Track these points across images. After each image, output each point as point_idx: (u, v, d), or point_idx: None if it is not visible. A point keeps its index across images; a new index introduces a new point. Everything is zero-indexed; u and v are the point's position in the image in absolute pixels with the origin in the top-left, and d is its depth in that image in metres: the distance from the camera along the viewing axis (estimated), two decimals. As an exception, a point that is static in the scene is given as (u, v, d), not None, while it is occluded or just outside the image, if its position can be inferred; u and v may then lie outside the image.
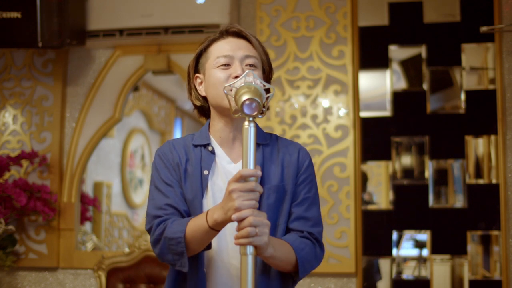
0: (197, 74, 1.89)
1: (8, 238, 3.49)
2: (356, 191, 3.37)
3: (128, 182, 5.56)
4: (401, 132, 3.44)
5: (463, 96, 3.39)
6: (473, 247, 3.30)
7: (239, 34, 1.86)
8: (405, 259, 3.39)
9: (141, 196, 5.79)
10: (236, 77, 1.77)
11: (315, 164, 3.39)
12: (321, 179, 3.39)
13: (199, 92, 1.88)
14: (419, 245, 3.38)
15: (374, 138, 3.45)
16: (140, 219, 5.77)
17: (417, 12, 3.47)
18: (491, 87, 3.37)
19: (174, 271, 1.81)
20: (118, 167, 5.48)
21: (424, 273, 3.34)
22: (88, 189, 4.86)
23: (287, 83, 3.49)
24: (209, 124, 1.89)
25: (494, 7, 3.36)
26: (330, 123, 3.43)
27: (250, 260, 1.55)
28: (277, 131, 3.45)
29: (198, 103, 1.90)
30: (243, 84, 1.60)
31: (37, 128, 3.72)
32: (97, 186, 5.08)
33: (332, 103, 3.45)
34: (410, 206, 3.39)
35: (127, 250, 3.38)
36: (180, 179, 1.79)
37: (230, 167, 1.81)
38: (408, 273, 3.38)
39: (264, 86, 1.63)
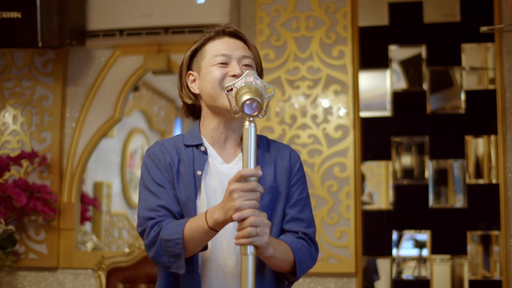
0: (190, 72, 1.88)
1: (8, 238, 3.49)
2: (356, 191, 3.37)
3: (128, 182, 5.56)
4: (401, 132, 3.44)
5: (463, 96, 3.40)
6: (473, 247, 3.30)
7: (235, 35, 1.87)
8: (405, 259, 3.39)
9: (141, 196, 5.77)
10: (234, 75, 1.77)
11: (315, 164, 3.40)
12: (321, 179, 3.39)
13: (191, 89, 1.87)
14: (419, 245, 3.38)
15: (374, 138, 3.45)
16: (140, 219, 5.76)
17: (417, 12, 3.47)
18: (491, 87, 3.37)
19: (165, 274, 1.78)
20: (118, 167, 5.48)
21: (424, 273, 3.34)
22: (88, 189, 4.85)
23: (287, 83, 3.49)
24: (199, 124, 1.88)
25: (494, 7, 3.36)
26: (330, 123, 3.43)
27: (250, 260, 1.55)
28: (277, 131, 3.45)
29: (189, 101, 1.89)
30: (243, 84, 1.61)
31: (37, 128, 3.72)
32: (97, 186, 5.07)
33: (332, 103, 3.45)
34: (410, 206, 3.39)
35: (127, 250, 3.38)
36: (172, 180, 1.78)
37: (222, 167, 1.80)
38: (408, 273, 3.38)
39: (265, 86, 1.63)
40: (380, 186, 3.46)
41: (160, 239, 1.68)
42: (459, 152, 3.36)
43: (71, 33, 3.48)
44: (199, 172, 1.78)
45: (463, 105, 3.39)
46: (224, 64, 1.81)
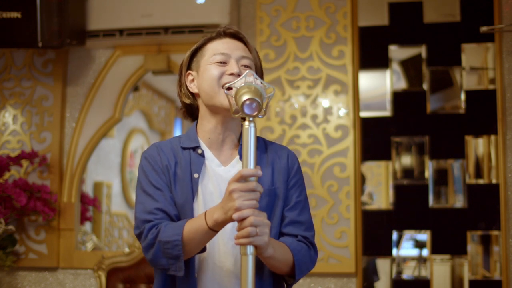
0: (189, 71, 1.88)
1: (8, 238, 3.49)
2: (356, 191, 3.37)
3: (128, 182, 5.56)
4: (401, 132, 3.44)
5: (463, 96, 3.40)
6: (473, 247, 3.30)
7: (236, 36, 1.87)
8: (405, 259, 3.39)
9: (141, 196, 5.77)
10: (232, 74, 1.77)
11: (315, 164, 3.40)
12: (321, 179, 3.39)
13: (190, 89, 1.87)
14: (419, 245, 3.38)
15: (374, 138, 3.45)
16: (140, 219, 5.76)
17: (417, 12, 3.47)
18: (491, 87, 3.37)
19: (162, 276, 1.78)
20: (118, 167, 5.49)
21: (424, 273, 3.34)
22: (88, 189, 4.86)
23: (287, 83, 3.49)
24: (196, 125, 1.88)
25: (494, 7, 3.36)
26: (330, 123, 3.43)
27: (250, 260, 1.54)
28: (277, 131, 3.45)
29: (187, 101, 1.88)
30: (243, 84, 1.60)
31: (37, 128, 3.72)
32: (97, 186, 5.08)
33: (332, 103, 3.45)
34: (410, 206, 3.39)
35: (127, 250, 3.38)
36: (169, 183, 1.77)
37: (220, 170, 1.80)
38: (408, 273, 3.38)
39: (265, 86, 1.63)
40: (380, 186, 3.46)
41: (158, 241, 1.68)
42: (459, 152, 3.36)
43: (71, 33, 3.48)
44: (196, 175, 1.77)
45: (463, 105, 3.39)
46: (223, 63, 1.81)
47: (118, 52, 3.73)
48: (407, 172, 3.43)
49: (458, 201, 3.35)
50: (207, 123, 1.84)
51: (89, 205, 4.23)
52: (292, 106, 3.47)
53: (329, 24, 3.49)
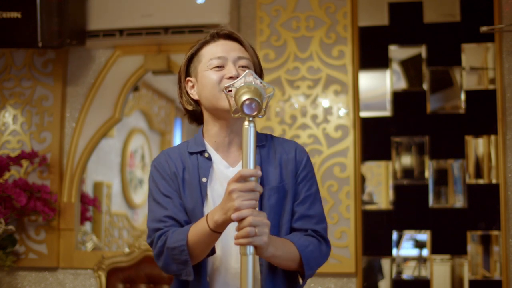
0: (188, 78, 1.88)
1: (8, 238, 3.49)
2: (356, 191, 3.37)
3: (128, 182, 5.56)
4: (401, 132, 3.44)
5: (463, 96, 3.39)
6: (473, 247, 3.30)
7: (230, 36, 1.86)
8: (405, 259, 3.39)
9: (141, 196, 5.79)
10: (230, 77, 1.77)
11: (315, 164, 3.39)
12: (321, 179, 3.39)
13: (191, 95, 1.87)
14: (419, 245, 3.38)
15: (374, 138, 3.45)
16: (140, 219, 5.77)
17: (417, 12, 3.47)
18: (491, 87, 3.37)
19: (178, 282, 1.79)
20: (118, 167, 5.49)
21: (424, 273, 3.34)
22: (88, 189, 4.86)
23: (287, 83, 3.49)
24: (202, 129, 1.88)
25: (494, 7, 3.36)
26: (330, 123, 3.43)
27: (250, 260, 1.55)
28: (277, 131, 3.45)
29: (190, 108, 1.88)
30: (243, 84, 1.60)
31: (37, 128, 3.72)
32: (97, 186, 5.08)
33: (332, 103, 3.45)
34: (410, 206, 3.39)
35: (127, 250, 3.38)
36: (178, 189, 1.78)
37: (228, 171, 1.80)
38: (408, 273, 3.38)
39: (264, 86, 1.63)
40: (380, 186, 3.46)
41: (166, 247, 1.69)
42: (459, 152, 3.36)
43: (71, 33, 3.48)
44: (204, 179, 1.77)
45: (463, 105, 3.39)
46: (220, 67, 1.80)
47: (118, 52, 3.73)
48: (407, 172, 3.43)
49: (458, 201, 3.34)
50: (212, 127, 1.84)
51: (89, 205, 4.23)
52: (292, 106, 3.47)
53: (329, 24, 3.49)
